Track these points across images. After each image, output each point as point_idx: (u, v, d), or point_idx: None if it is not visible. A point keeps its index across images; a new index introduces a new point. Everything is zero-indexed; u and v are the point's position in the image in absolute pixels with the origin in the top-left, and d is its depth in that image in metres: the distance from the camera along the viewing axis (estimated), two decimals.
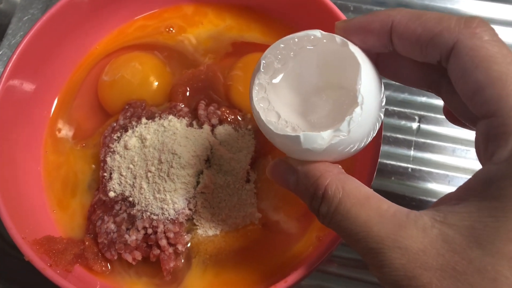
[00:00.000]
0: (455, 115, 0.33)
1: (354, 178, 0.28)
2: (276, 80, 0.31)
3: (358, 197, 0.27)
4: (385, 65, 0.32)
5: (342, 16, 0.42)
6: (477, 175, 0.25)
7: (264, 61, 0.30)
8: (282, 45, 0.30)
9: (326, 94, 0.32)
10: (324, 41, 0.29)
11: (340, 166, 0.30)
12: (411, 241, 0.24)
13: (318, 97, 0.32)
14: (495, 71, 0.24)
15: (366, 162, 0.37)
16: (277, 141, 0.29)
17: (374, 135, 0.30)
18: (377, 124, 0.29)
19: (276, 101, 0.30)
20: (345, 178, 0.28)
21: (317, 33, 0.29)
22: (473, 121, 0.29)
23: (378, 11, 0.29)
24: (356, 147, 0.29)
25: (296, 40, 0.29)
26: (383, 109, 0.30)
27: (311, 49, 0.30)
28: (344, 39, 0.29)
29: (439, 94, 0.31)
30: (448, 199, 0.26)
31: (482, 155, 0.26)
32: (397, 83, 0.33)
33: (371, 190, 0.28)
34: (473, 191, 0.25)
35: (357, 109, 0.27)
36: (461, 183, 0.26)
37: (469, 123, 0.30)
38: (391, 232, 0.25)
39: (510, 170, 0.23)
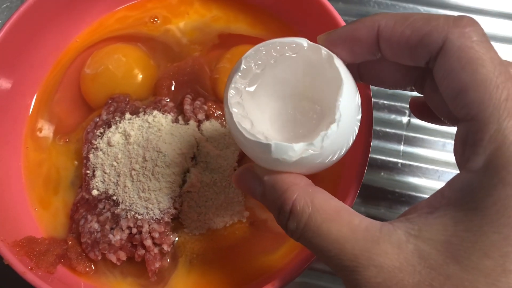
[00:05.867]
0: (423, 110, 0.33)
1: (323, 190, 0.27)
2: (251, 88, 0.29)
3: (328, 211, 0.25)
4: (366, 72, 0.31)
5: (330, 7, 0.40)
6: (452, 183, 0.24)
7: (244, 66, 0.28)
8: (264, 50, 0.28)
9: (303, 106, 0.31)
10: (309, 52, 0.28)
11: (307, 178, 0.28)
12: (386, 258, 0.23)
13: (294, 109, 0.31)
14: (480, 74, 0.23)
15: (356, 161, 0.36)
16: (246, 146, 0.28)
17: (348, 149, 0.29)
18: (352, 138, 0.28)
19: (250, 108, 0.29)
20: (313, 192, 0.27)
21: (304, 42, 0.28)
22: (454, 121, 0.28)
23: (361, 18, 0.28)
24: (326, 161, 0.28)
25: (279, 47, 0.28)
26: (358, 124, 0.29)
27: (293, 57, 0.29)
28: (330, 52, 0.28)
29: (421, 91, 0.30)
30: (421, 207, 0.25)
31: (459, 159, 0.25)
32: None
33: (341, 202, 0.27)
34: (447, 199, 0.24)
35: (333, 126, 0.26)
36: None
37: (450, 123, 0.30)
38: (365, 249, 0.24)
39: (486, 180, 0.22)
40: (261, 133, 0.27)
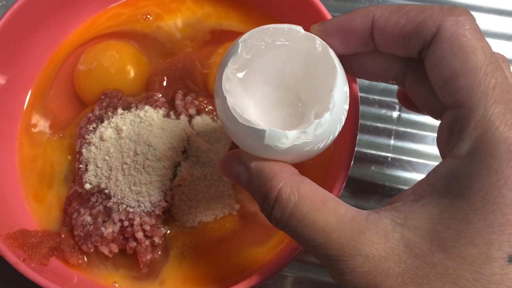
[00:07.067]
0: (410, 100, 0.32)
1: (309, 180, 0.27)
2: (240, 74, 0.29)
3: (314, 201, 0.25)
4: (348, 63, 0.31)
5: (320, 5, 0.41)
6: (436, 170, 0.24)
7: (241, 44, 0.28)
8: (256, 34, 0.28)
9: (292, 95, 0.31)
10: (302, 41, 0.28)
11: (293, 168, 0.28)
12: (372, 247, 0.23)
13: (282, 98, 0.31)
14: (471, 61, 0.24)
15: (343, 152, 0.37)
16: (237, 132, 0.27)
17: (334, 138, 0.29)
18: (339, 127, 0.28)
19: (238, 95, 0.29)
20: (300, 180, 0.26)
21: (300, 29, 0.28)
22: (436, 113, 0.28)
23: (356, 9, 0.28)
24: (315, 149, 0.28)
25: (271, 33, 0.28)
26: (346, 113, 0.29)
27: (284, 46, 0.28)
28: (324, 42, 0.28)
29: (403, 85, 0.31)
30: (407, 195, 0.25)
31: (443, 147, 0.26)
32: None
33: (327, 192, 0.26)
34: (432, 187, 0.24)
35: (327, 115, 0.26)
36: None
37: (431, 115, 0.30)
38: (351, 238, 0.24)
39: (471, 166, 0.23)
40: (249, 118, 0.27)
